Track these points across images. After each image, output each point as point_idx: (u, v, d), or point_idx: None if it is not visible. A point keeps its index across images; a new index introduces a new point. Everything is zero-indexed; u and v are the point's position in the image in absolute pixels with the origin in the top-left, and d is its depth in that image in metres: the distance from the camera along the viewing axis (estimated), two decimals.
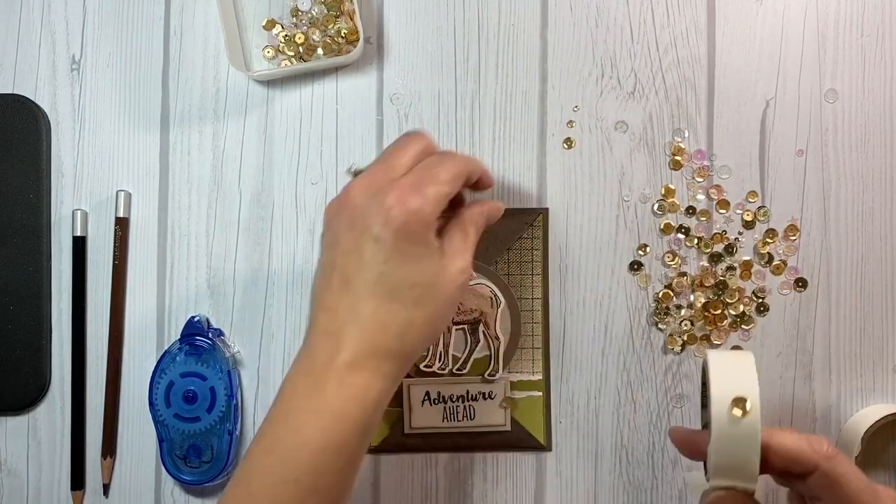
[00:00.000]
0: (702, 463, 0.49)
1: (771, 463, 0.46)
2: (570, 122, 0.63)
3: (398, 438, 0.63)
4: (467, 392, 0.63)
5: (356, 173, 0.54)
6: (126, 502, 0.63)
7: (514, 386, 0.63)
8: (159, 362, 0.61)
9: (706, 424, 0.49)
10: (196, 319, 0.62)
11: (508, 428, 0.62)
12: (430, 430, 0.63)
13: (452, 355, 0.63)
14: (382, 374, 0.49)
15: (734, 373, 0.47)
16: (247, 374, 0.63)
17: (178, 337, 0.62)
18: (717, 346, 0.63)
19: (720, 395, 0.46)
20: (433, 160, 0.51)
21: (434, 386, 0.63)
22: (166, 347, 0.62)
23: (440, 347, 0.63)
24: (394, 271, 0.48)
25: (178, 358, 0.61)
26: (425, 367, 0.62)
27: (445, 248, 0.51)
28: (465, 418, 0.63)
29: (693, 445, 0.50)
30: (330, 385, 0.48)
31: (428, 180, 0.50)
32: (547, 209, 0.63)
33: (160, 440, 0.61)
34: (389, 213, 0.48)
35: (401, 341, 0.49)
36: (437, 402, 0.63)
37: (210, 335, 0.61)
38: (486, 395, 0.63)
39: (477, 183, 0.54)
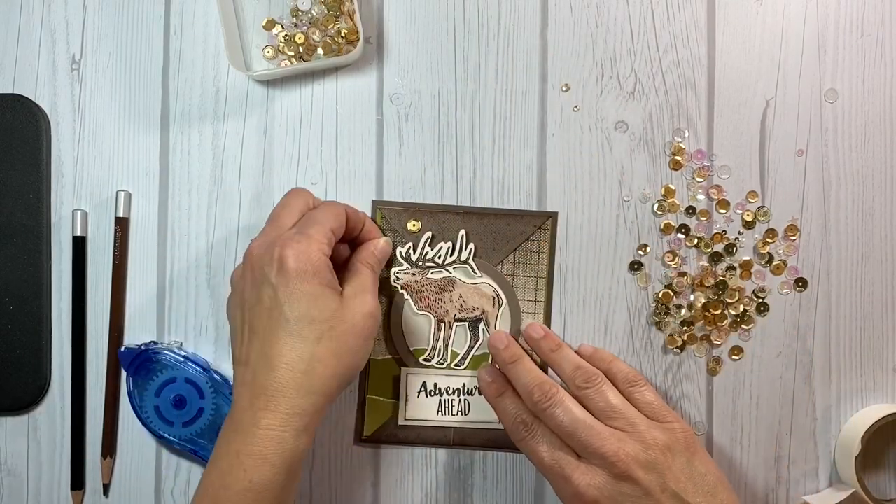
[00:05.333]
0: None
1: None
2: (566, 85, 0.63)
3: (392, 430, 0.63)
4: (463, 386, 0.63)
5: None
6: (126, 502, 0.63)
7: None
8: (132, 404, 0.61)
9: None
10: (122, 350, 0.61)
11: (501, 426, 0.62)
12: (423, 423, 0.63)
13: (452, 351, 0.63)
14: (297, 414, 0.52)
15: None
16: None
17: (127, 376, 0.61)
18: (717, 346, 0.63)
19: None
20: (313, 211, 0.57)
21: (431, 377, 0.63)
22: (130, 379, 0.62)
23: (440, 342, 0.63)
24: (292, 311, 0.52)
25: (143, 387, 0.61)
26: (424, 360, 0.63)
27: (346, 288, 0.56)
28: (459, 413, 0.63)
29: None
30: (248, 428, 0.51)
31: (309, 223, 0.55)
32: (556, 213, 0.63)
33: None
34: (280, 259, 0.53)
35: (309, 377, 0.52)
36: (433, 393, 0.63)
37: (148, 351, 0.61)
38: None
39: (360, 235, 0.60)
